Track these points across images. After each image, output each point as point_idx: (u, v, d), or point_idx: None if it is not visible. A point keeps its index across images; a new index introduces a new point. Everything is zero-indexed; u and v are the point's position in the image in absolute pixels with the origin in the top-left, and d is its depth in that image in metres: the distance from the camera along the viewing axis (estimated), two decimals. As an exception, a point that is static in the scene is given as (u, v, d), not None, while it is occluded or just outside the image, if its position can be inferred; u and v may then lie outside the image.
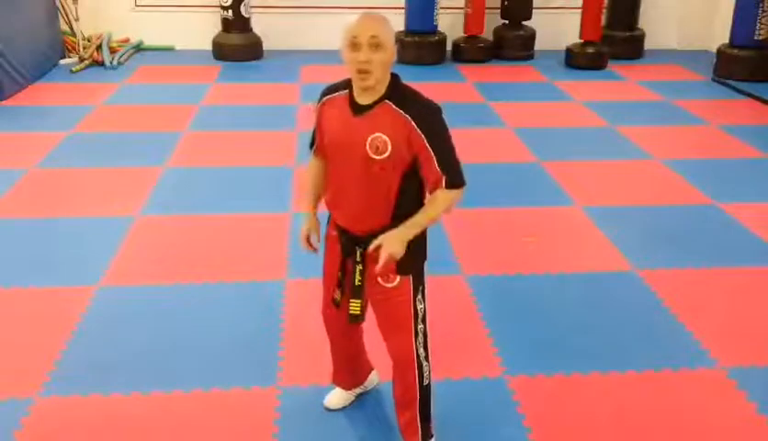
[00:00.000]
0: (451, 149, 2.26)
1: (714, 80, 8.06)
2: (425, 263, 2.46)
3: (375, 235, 2.30)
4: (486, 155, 5.70)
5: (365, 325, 2.63)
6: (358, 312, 2.42)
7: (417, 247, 2.38)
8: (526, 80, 8.16)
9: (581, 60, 8.49)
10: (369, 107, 2.24)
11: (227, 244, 4.27)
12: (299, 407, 2.91)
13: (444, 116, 2.28)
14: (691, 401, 3.02)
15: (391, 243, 2.23)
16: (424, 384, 2.53)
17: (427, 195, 2.31)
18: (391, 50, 2.21)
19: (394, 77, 2.28)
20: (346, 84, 2.31)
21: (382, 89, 2.24)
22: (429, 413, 2.60)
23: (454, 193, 2.26)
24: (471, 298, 3.73)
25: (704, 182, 5.24)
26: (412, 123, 2.20)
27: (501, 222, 4.62)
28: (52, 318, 3.50)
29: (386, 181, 2.25)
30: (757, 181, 5.36)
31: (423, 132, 2.20)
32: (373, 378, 2.97)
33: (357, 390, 2.94)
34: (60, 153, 5.65)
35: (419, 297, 2.44)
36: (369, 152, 2.21)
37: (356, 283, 2.39)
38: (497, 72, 8.44)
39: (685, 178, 5.33)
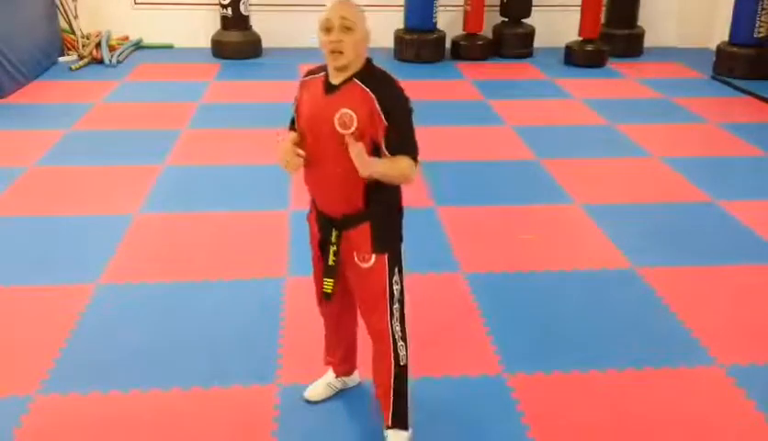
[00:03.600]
0: (411, 127, 2.36)
1: (713, 78, 8.06)
2: (402, 244, 2.53)
3: (350, 218, 2.42)
4: (485, 153, 5.70)
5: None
6: (330, 291, 2.52)
7: (391, 226, 2.50)
8: (526, 77, 8.15)
9: (580, 57, 8.49)
10: (339, 86, 2.35)
11: (226, 242, 4.27)
12: (298, 405, 2.91)
13: (409, 101, 2.37)
14: (689, 398, 3.02)
15: (362, 153, 2.24)
16: (401, 364, 2.57)
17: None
18: (362, 33, 2.32)
19: (368, 61, 2.39)
20: (323, 68, 2.42)
21: (355, 69, 2.34)
22: (404, 394, 2.60)
23: (414, 168, 2.34)
24: (471, 296, 3.73)
25: (703, 180, 5.24)
26: (375, 99, 2.29)
27: (500, 220, 4.62)
28: (52, 316, 3.51)
29: (352, 160, 2.28)
30: (756, 179, 5.37)
31: (384, 109, 2.29)
32: (355, 377, 3.00)
33: (339, 385, 2.96)
34: (59, 151, 5.65)
35: (395, 278, 2.50)
36: (337, 126, 2.30)
37: (330, 263, 2.49)
38: (496, 69, 8.43)
39: (685, 176, 5.33)
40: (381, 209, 2.44)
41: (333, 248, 2.47)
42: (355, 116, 2.30)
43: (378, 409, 2.68)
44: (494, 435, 2.80)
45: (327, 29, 2.29)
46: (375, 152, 2.33)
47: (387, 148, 2.32)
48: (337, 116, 2.31)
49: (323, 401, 2.93)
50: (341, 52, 2.28)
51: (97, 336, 3.36)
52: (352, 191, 2.38)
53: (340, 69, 2.33)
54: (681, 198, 5.00)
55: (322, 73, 2.42)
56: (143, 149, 5.69)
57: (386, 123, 2.30)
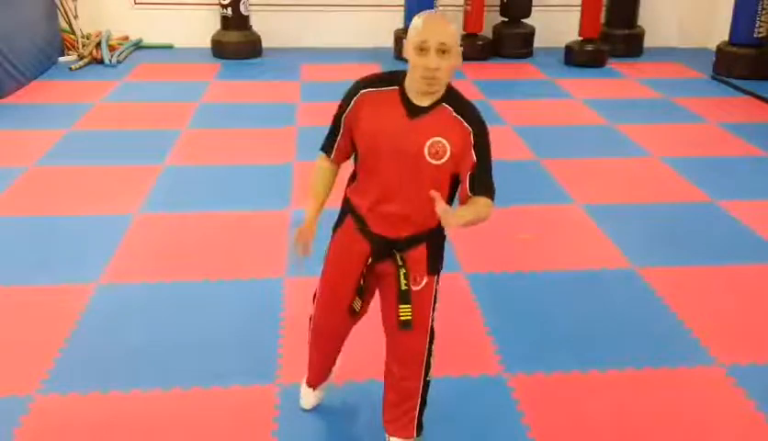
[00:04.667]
0: (491, 164, 2.23)
1: (713, 78, 8.06)
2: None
3: (415, 239, 2.30)
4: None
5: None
6: (409, 318, 2.35)
7: (442, 246, 2.43)
8: (526, 78, 8.16)
9: (580, 57, 8.49)
10: (426, 109, 2.18)
11: (226, 242, 4.27)
12: (298, 405, 2.91)
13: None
14: (689, 398, 3.02)
15: (449, 212, 2.07)
16: (428, 379, 2.56)
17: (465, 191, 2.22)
18: (458, 55, 2.14)
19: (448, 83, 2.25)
20: (394, 80, 2.23)
21: (440, 92, 2.19)
22: (425, 408, 2.61)
23: (491, 208, 2.20)
24: (471, 296, 3.73)
25: (703, 180, 5.24)
26: (471, 133, 2.17)
27: (500, 220, 4.58)
28: (52, 316, 3.51)
29: (437, 186, 2.15)
30: (756, 179, 5.36)
31: (476, 144, 2.17)
32: (334, 370, 2.92)
33: (326, 385, 2.91)
34: (59, 151, 5.65)
35: (437, 296, 2.47)
36: (427, 156, 2.16)
37: (403, 287, 2.33)
38: (496, 69, 8.43)
39: (685, 176, 5.33)
40: (437, 229, 2.33)
41: (403, 271, 2.31)
42: (448, 146, 2.15)
43: (393, 419, 2.61)
44: (494, 435, 2.80)
45: (421, 50, 2.08)
46: (454, 183, 2.23)
47: (470, 187, 2.17)
48: (429, 144, 2.14)
49: (321, 403, 2.91)
50: (437, 79, 2.11)
51: (97, 336, 3.36)
52: (426, 215, 2.21)
53: (432, 93, 2.16)
54: (680, 198, 5.00)
55: (394, 88, 2.21)
56: (143, 149, 5.69)
57: (475, 160, 2.16)
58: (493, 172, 2.24)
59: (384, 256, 2.35)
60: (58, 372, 3.10)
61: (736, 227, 4.57)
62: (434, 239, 2.35)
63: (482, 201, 2.17)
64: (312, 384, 2.88)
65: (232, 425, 2.82)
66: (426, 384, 2.57)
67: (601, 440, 2.79)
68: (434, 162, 2.16)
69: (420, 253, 2.34)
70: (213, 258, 4.07)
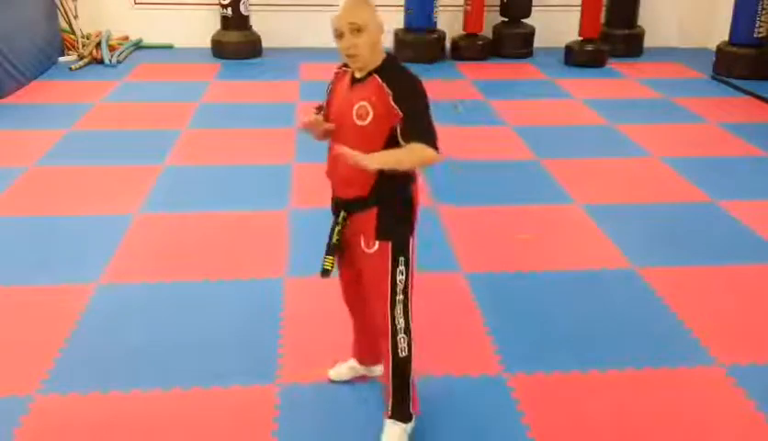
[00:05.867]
0: (425, 115, 2.41)
1: (713, 78, 8.06)
2: (412, 238, 2.56)
3: (359, 201, 2.47)
4: (485, 153, 5.69)
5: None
6: (329, 268, 2.55)
7: (399, 216, 2.53)
8: (526, 78, 8.16)
9: (580, 57, 8.49)
10: (361, 79, 2.45)
11: (226, 242, 4.27)
12: (299, 404, 2.91)
13: (423, 93, 2.43)
14: (689, 398, 3.02)
15: (362, 156, 2.31)
16: (400, 355, 2.60)
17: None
18: (373, 31, 2.38)
19: (388, 56, 2.48)
20: None
21: (375, 65, 2.43)
22: (405, 387, 2.64)
23: (429, 150, 2.37)
24: (471, 295, 3.73)
25: (703, 180, 5.24)
26: (390, 95, 2.36)
27: (500, 220, 4.62)
28: (52, 316, 3.51)
29: (369, 148, 2.35)
30: (756, 179, 5.36)
31: (396, 99, 2.36)
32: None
33: (363, 370, 3.00)
34: (59, 151, 5.65)
35: (400, 268, 2.53)
36: (354, 118, 2.41)
37: (333, 241, 2.55)
38: (496, 69, 8.43)
39: (685, 176, 5.33)
40: (391, 197, 2.49)
41: (338, 227, 2.55)
42: (370, 109, 2.39)
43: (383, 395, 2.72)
44: (494, 435, 2.79)
45: (339, 36, 2.38)
46: (394, 141, 2.39)
47: (402, 137, 2.37)
48: (356, 107, 2.41)
49: (321, 403, 2.92)
50: (356, 55, 2.38)
51: (97, 336, 3.36)
52: (366, 177, 2.42)
53: (360, 68, 2.43)
54: (680, 198, 5.00)
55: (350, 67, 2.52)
56: (143, 149, 5.69)
57: (400, 113, 2.36)
58: (429, 121, 2.41)
59: (336, 213, 2.57)
60: (58, 372, 3.10)
61: (736, 227, 4.57)
62: (386, 204, 2.49)
63: (412, 146, 2.36)
64: (354, 354, 2.99)
65: (232, 425, 2.82)
66: (400, 361, 2.59)
67: (601, 440, 2.79)
68: (359, 123, 2.41)
69: (369, 216, 2.49)
70: (213, 258, 4.07)
